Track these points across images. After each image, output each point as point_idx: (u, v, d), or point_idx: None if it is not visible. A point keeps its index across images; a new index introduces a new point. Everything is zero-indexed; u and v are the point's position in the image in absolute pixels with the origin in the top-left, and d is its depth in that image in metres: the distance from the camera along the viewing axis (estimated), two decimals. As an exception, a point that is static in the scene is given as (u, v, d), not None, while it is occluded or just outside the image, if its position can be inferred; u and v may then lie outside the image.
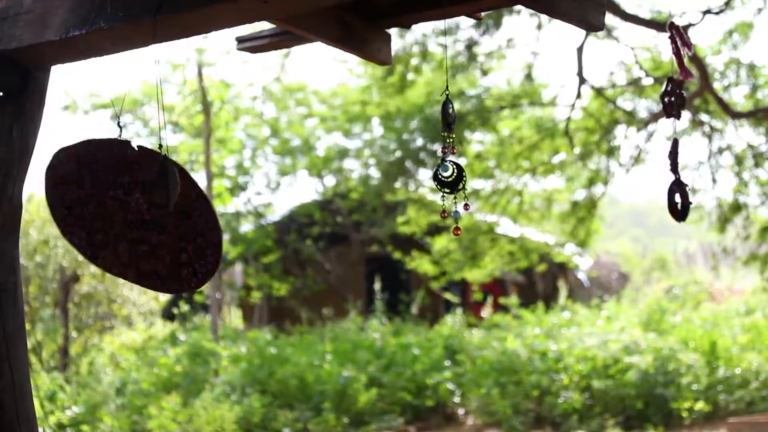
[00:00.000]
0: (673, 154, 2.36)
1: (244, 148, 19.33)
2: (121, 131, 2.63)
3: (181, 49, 14.28)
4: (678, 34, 2.35)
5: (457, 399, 10.96)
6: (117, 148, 2.62)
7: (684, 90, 2.36)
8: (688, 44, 2.37)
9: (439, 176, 2.43)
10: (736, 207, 12.09)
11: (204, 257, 2.56)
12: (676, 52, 2.36)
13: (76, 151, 2.66)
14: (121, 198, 2.60)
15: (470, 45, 11.06)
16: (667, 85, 2.37)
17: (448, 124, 2.47)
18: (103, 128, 18.60)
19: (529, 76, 12.48)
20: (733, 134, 11.83)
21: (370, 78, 16.78)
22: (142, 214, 2.59)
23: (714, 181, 12.05)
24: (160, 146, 2.52)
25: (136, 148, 2.61)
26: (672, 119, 2.37)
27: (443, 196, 2.45)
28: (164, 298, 16.29)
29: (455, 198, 2.42)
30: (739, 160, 11.86)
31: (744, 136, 11.89)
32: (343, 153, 20.09)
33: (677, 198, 2.35)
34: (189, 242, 2.56)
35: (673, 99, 2.37)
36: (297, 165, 19.99)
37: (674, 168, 2.35)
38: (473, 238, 13.82)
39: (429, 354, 11.59)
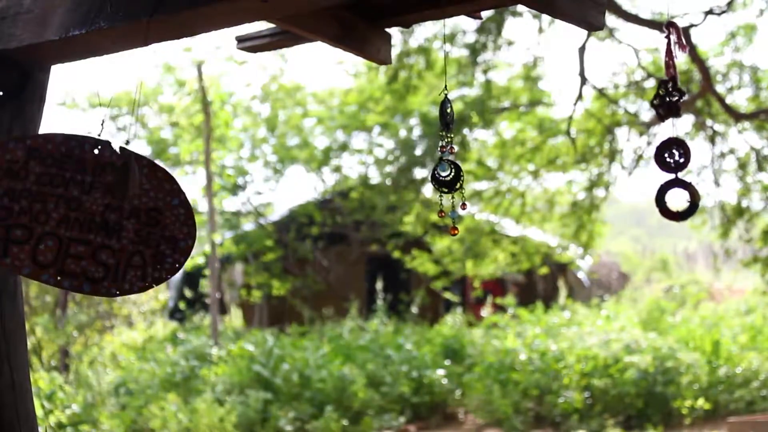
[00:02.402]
0: (659, 154, 2.34)
1: (242, 147, 19.33)
2: (102, 129, 2.60)
3: (181, 48, 14.23)
4: (675, 34, 2.34)
5: (457, 398, 10.96)
6: (91, 145, 2.57)
7: (674, 90, 2.35)
8: (682, 45, 2.36)
9: (437, 176, 2.43)
10: (740, 210, 12.08)
11: (162, 263, 2.53)
12: (668, 52, 2.35)
13: (33, 143, 2.58)
14: (72, 196, 2.54)
15: (473, 47, 11.06)
16: (658, 90, 2.36)
17: (446, 124, 2.48)
18: (101, 127, 18.54)
19: (531, 78, 12.48)
20: (737, 137, 11.83)
21: (370, 79, 16.77)
22: (93, 214, 2.54)
23: (717, 184, 12.04)
24: (127, 142, 2.53)
25: (118, 151, 2.57)
26: (669, 120, 2.36)
27: (441, 196, 2.45)
28: (164, 297, 16.29)
29: (453, 197, 2.43)
30: (742, 164, 11.85)
31: (747, 139, 11.89)
32: (342, 147, 20.07)
33: (685, 197, 2.32)
34: (149, 247, 2.53)
35: (666, 100, 2.36)
36: (294, 155, 19.95)
37: (663, 166, 2.34)
38: (476, 239, 13.83)
39: (428, 353, 11.59)
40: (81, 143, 2.58)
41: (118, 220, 2.54)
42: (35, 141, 2.58)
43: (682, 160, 2.31)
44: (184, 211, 2.55)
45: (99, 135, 2.60)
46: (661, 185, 2.32)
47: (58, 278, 2.53)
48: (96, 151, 2.57)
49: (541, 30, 11.43)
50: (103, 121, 2.63)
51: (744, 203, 12.12)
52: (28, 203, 2.55)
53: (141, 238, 2.54)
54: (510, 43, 11.45)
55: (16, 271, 2.53)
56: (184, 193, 2.58)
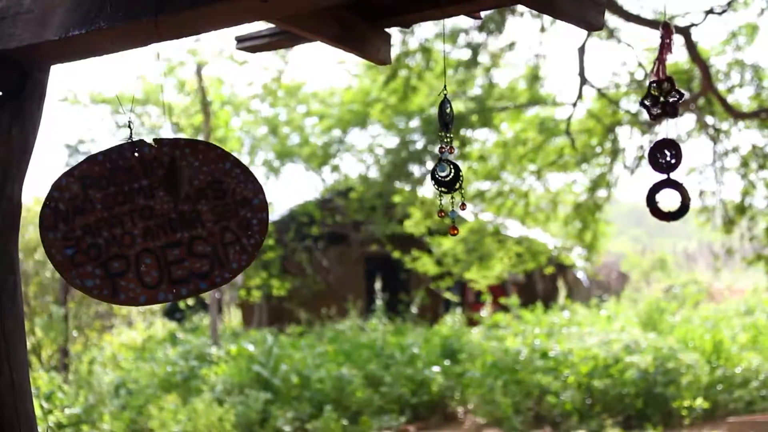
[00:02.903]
0: (652, 155, 2.34)
1: (242, 146, 19.34)
2: (131, 131, 2.57)
3: (181, 48, 14.24)
4: (668, 37, 2.35)
5: (456, 398, 10.97)
6: (128, 151, 2.54)
7: (673, 91, 2.34)
8: (670, 47, 2.37)
9: (437, 176, 2.44)
10: (742, 209, 12.08)
11: (250, 228, 2.48)
12: (660, 53, 2.36)
13: (81, 173, 2.51)
14: (141, 206, 2.50)
15: (474, 47, 11.05)
16: (648, 90, 2.37)
17: (445, 124, 2.48)
18: (104, 124, 18.56)
19: (533, 77, 12.48)
20: (739, 136, 11.84)
21: (370, 79, 16.78)
22: (168, 214, 2.50)
23: (719, 182, 12.04)
24: (155, 139, 2.51)
25: (153, 143, 2.54)
26: (667, 120, 2.36)
27: (440, 196, 2.46)
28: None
29: (452, 198, 2.43)
30: (744, 162, 11.85)
31: (749, 138, 11.91)
32: (342, 145, 20.08)
33: (677, 198, 2.33)
34: (231, 218, 2.48)
35: (659, 101, 2.36)
36: (294, 151, 19.95)
37: (656, 167, 2.34)
38: (480, 240, 13.83)
39: (428, 353, 11.60)
40: (121, 152, 2.55)
41: (192, 208, 2.50)
42: (81, 169, 2.53)
43: (673, 161, 2.32)
44: (240, 170, 2.51)
45: (130, 137, 2.57)
46: (652, 186, 2.33)
47: (174, 291, 2.48)
48: (136, 154, 2.54)
49: (543, 29, 11.43)
50: (130, 122, 2.61)
51: (746, 201, 12.12)
52: (109, 231, 2.49)
53: (219, 214, 2.49)
54: (511, 45, 11.45)
55: (134, 304, 2.48)
56: (231, 154, 2.53)
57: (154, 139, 2.56)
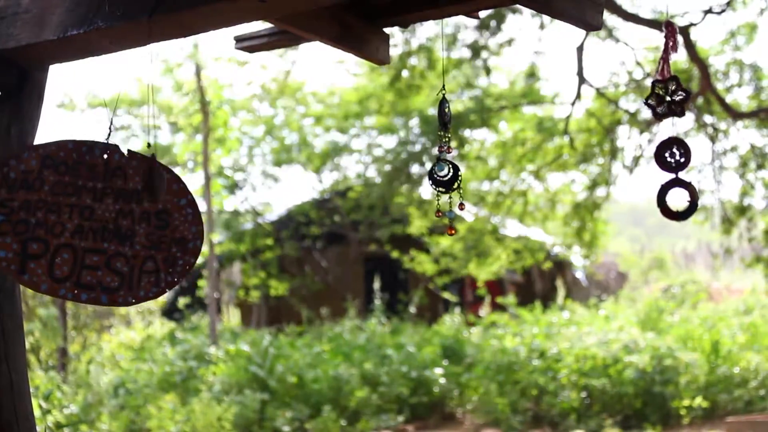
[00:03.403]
0: (659, 154, 2.34)
1: (241, 146, 19.33)
2: (110, 133, 2.57)
3: (180, 48, 14.23)
4: (672, 35, 2.34)
5: (455, 398, 10.96)
6: (101, 150, 2.54)
7: (679, 89, 2.34)
8: (675, 47, 2.36)
9: (435, 175, 2.43)
10: (741, 209, 12.08)
11: (174, 266, 2.49)
12: (665, 52, 2.35)
13: (45, 151, 2.53)
14: (84, 204, 2.50)
15: (474, 47, 11.05)
16: (653, 89, 2.36)
17: (444, 124, 2.48)
18: (100, 127, 18.56)
19: (532, 76, 12.48)
20: (738, 135, 11.83)
21: (371, 79, 16.77)
22: (106, 222, 2.50)
23: (718, 182, 12.05)
24: (149, 145, 2.50)
25: (126, 153, 2.54)
26: (668, 119, 2.36)
27: (438, 195, 2.45)
28: (163, 297, 16.27)
29: (450, 197, 2.43)
30: (743, 162, 11.85)
31: (748, 137, 11.90)
32: (340, 149, 20.07)
33: (685, 197, 2.32)
34: (161, 251, 2.49)
35: (665, 100, 2.35)
36: (293, 158, 19.97)
37: (664, 166, 2.33)
38: (478, 238, 13.83)
39: (427, 353, 11.60)
40: (91, 149, 2.55)
41: (130, 226, 2.51)
42: (48, 149, 2.53)
43: (682, 160, 2.31)
44: (192, 210, 2.53)
45: (107, 139, 2.57)
46: (663, 185, 2.32)
47: (75, 291, 2.48)
48: (105, 156, 2.54)
49: (542, 26, 11.44)
50: (110, 125, 2.61)
51: (745, 201, 12.12)
52: (44, 215, 2.49)
53: (152, 242, 2.50)
54: (510, 42, 11.44)
55: (34, 288, 2.47)
56: (190, 193, 2.55)
57: (128, 150, 2.56)
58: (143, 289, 2.50)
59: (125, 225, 2.51)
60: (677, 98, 2.33)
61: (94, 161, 2.54)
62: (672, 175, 2.32)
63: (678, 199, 2.33)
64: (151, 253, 2.50)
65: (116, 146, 2.55)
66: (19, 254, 2.46)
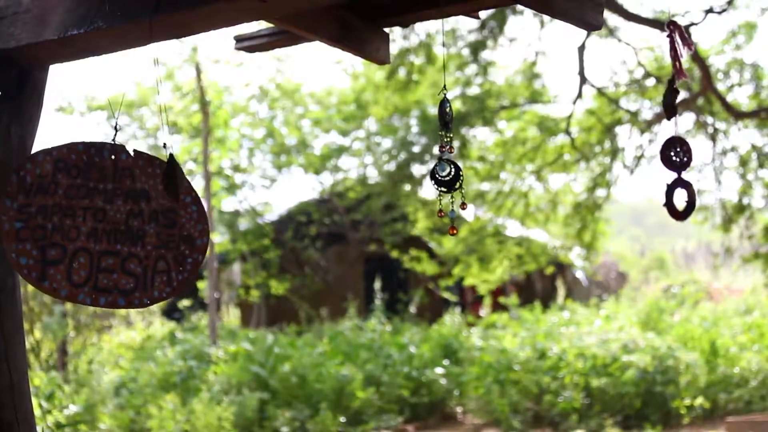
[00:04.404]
0: (664, 153, 2.34)
1: (240, 147, 19.33)
2: (116, 134, 2.58)
3: (179, 48, 14.24)
4: (678, 34, 2.34)
5: (455, 398, 10.96)
6: (108, 152, 2.54)
7: (673, 89, 2.35)
8: (689, 44, 2.37)
9: (437, 175, 2.43)
10: (741, 208, 12.08)
11: (183, 264, 2.50)
12: (673, 52, 2.35)
13: (59, 154, 2.52)
14: (96, 207, 2.50)
15: (475, 46, 11.04)
16: (667, 88, 2.37)
17: (445, 123, 2.48)
18: (99, 130, 18.58)
19: (532, 75, 12.48)
20: (738, 135, 11.84)
21: (369, 78, 16.76)
22: (118, 224, 2.50)
23: (718, 182, 12.04)
24: (165, 145, 2.51)
25: (132, 153, 2.55)
26: (673, 119, 2.37)
27: (440, 196, 2.45)
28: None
29: (452, 197, 2.43)
30: (743, 161, 11.85)
31: (748, 137, 11.91)
32: (340, 150, 20.07)
33: (683, 197, 2.33)
34: (171, 250, 2.50)
35: (669, 100, 2.37)
36: (293, 161, 19.98)
37: (669, 165, 2.34)
38: (480, 240, 13.80)
39: (427, 353, 11.59)
40: (100, 150, 2.55)
41: (141, 226, 2.51)
42: (60, 152, 2.53)
43: (685, 159, 2.33)
44: (197, 208, 2.54)
45: (113, 140, 2.57)
46: (669, 185, 2.33)
47: (94, 296, 2.47)
48: (113, 157, 2.54)
49: (542, 24, 11.43)
50: (116, 126, 2.61)
51: (745, 201, 12.12)
52: (59, 219, 2.49)
53: (162, 241, 2.51)
54: (512, 40, 11.44)
55: (55, 295, 2.45)
56: (195, 191, 2.56)
57: (135, 150, 2.56)
58: (157, 290, 2.50)
59: (136, 225, 2.52)
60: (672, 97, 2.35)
61: (103, 162, 2.54)
62: (675, 175, 2.33)
63: (679, 199, 2.35)
64: (161, 253, 2.51)
65: (123, 146, 2.56)
66: (39, 261, 2.45)
